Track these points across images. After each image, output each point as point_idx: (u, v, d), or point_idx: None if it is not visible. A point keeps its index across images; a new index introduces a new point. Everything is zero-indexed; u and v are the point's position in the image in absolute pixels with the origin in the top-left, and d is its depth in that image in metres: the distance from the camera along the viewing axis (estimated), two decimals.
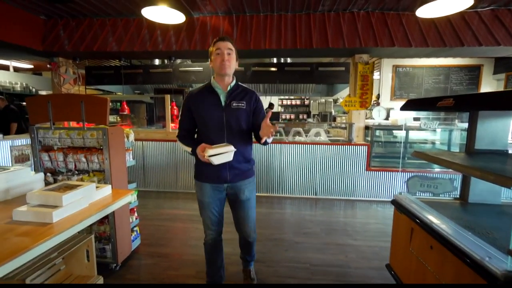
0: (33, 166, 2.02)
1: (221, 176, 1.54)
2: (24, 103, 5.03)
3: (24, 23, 3.54)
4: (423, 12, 2.35)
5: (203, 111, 1.51)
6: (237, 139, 1.51)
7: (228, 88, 1.54)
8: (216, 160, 1.35)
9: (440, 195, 1.81)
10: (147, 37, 3.71)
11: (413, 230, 1.55)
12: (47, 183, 1.91)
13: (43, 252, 1.22)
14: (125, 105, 4.68)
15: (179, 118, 1.64)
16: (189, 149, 1.50)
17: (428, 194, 1.82)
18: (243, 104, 1.52)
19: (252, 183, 1.67)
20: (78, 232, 1.63)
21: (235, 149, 1.38)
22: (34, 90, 6.41)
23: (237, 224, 1.73)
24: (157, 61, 5.83)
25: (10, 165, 3.41)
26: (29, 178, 1.73)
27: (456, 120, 4.98)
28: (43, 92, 6.38)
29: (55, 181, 1.99)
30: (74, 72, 4.15)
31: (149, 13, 2.47)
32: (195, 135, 1.64)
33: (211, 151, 1.33)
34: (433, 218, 1.41)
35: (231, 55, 1.49)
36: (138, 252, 2.35)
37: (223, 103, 1.51)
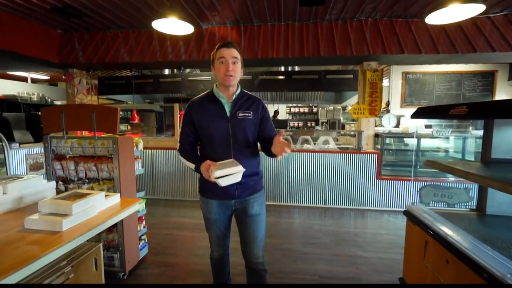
0: (45, 175, 2.07)
1: (228, 192, 1.41)
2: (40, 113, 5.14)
3: (42, 36, 3.71)
4: (432, 19, 2.32)
5: (207, 123, 1.37)
6: (244, 153, 1.39)
7: (234, 96, 1.41)
8: (223, 182, 1.22)
9: (455, 205, 1.74)
10: (157, 48, 3.81)
11: (427, 243, 1.49)
12: (58, 192, 1.95)
13: (53, 260, 1.23)
14: (135, 114, 4.78)
15: (180, 130, 1.50)
16: (192, 166, 1.36)
17: (442, 205, 1.76)
18: (249, 114, 1.39)
19: (262, 197, 1.52)
20: (87, 241, 1.64)
21: (244, 169, 1.23)
22: (49, 100, 6.65)
23: (244, 245, 1.52)
24: (166, 71, 5.96)
25: (25, 173, 3.52)
26: (41, 187, 1.77)
27: (470, 127, 4.83)
28: (58, 102, 6.61)
29: (66, 189, 2.03)
30: (87, 82, 4.29)
31: (159, 25, 2.54)
32: (198, 148, 1.52)
33: (217, 172, 1.19)
34: (448, 231, 1.35)
35: (236, 64, 1.35)
36: (146, 261, 2.34)
37: (228, 114, 1.38)
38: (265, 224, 1.54)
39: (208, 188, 1.45)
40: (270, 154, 1.36)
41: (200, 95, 1.47)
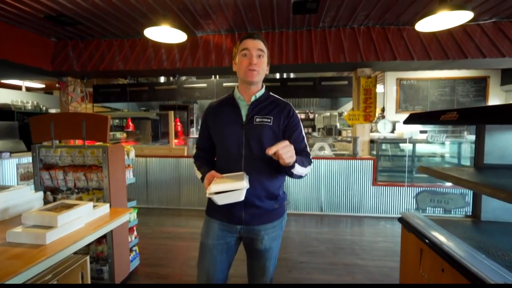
0: (34, 185, 2.02)
1: (233, 215, 1.15)
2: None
3: (36, 45, 3.70)
4: (422, 26, 2.35)
5: (219, 128, 1.19)
6: (258, 166, 1.13)
7: (253, 98, 1.18)
8: (220, 200, 1.01)
9: (452, 211, 1.72)
10: (152, 56, 3.81)
11: (423, 251, 1.46)
12: (46, 202, 1.90)
13: (35, 275, 1.18)
14: (130, 122, 4.75)
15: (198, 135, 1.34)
16: (199, 175, 1.18)
17: (439, 210, 1.73)
18: (268, 120, 1.15)
19: (277, 228, 1.21)
20: (75, 253, 1.59)
21: (248, 186, 0.99)
22: (44, 108, 6.60)
23: (250, 272, 1.30)
24: (162, 79, 5.97)
25: (16, 183, 3.45)
26: (28, 197, 1.72)
27: (465, 132, 4.86)
28: (53, 111, 6.56)
29: (55, 199, 1.98)
30: (81, 90, 4.27)
31: (151, 33, 2.54)
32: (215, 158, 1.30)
33: (213, 187, 1.00)
34: (443, 239, 1.32)
35: (262, 58, 1.14)
36: (137, 273, 2.28)
37: (244, 118, 1.16)
38: (278, 253, 1.27)
39: (212, 207, 1.22)
40: (288, 175, 1.12)
41: (222, 96, 1.29)
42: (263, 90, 1.22)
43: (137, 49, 3.85)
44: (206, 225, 1.24)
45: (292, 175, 1.10)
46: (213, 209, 1.21)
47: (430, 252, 1.36)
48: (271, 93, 1.24)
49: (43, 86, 6.97)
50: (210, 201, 1.19)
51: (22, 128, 5.20)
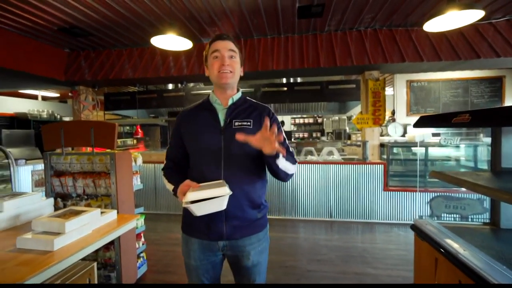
0: (44, 192, 2.07)
1: (213, 230, 1.04)
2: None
3: (50, 56, 3.84)
4: (431, 26, 2.29)
5: (194, 134, 1.09)
6: (239, 173, 1.05)
7: (230, 101, 1.12)
8: (199, 209, 0.88)
9: (469, 217, 1.64)
10: (160, 63, 3.89)
11: (438, 261, 1.39)
12: (57, 208, 1.94)
13: (43, 281, 1.19)
14: (139, 129, 4.83)
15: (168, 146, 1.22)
16: (170, 187, 1.07)
17: (454, 217, 1.65)
18: (249, 123, 1.08)
19: (263, 241, 1.13)
20: (83, 259, 1.61)
21: (231, 192, 0.90)
22: (59, 117, 6.82)
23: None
24: (170, 86, 6.07)
25: (31, 189, 3.55)
26: (39, 204, 1.76)
27: (481, 135, 4.68)
28: (67, 119, 6.77)
29: (65, 206, 2.02)
30: (93, 99, 4.39)
31: (158, 41, 2.59)
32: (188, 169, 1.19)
33: (191, 194, 0.87)
34: (459, 248, 1.25)
35: (234, 58, 1.08)
36: (144, 279, 2.27)
37: (221, 123, 1.08)
38: (266, 266, 1.19)
39: (189, 222, 1.11)
40: (273, 171, 1.06)
41: (195, 103, 1.20)
42: (240, 94, 1.16)
43: (145, 57, 3.93)
44: (185, 244, 1.13)
45: (278, 170, 1.03)
46: (189, 225, 1.11)
47: (445, 262, 1.29)
48: (247, 97, 1.19)
49: (57, 95, 7.22)
50: (185, 214, 1.12)
51: (38, 136, 5.38)
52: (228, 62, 1.06)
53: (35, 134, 5.41)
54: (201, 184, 0.98)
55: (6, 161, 3.17)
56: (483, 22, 3.24)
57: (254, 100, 1.19)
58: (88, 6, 2.78)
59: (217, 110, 1.11)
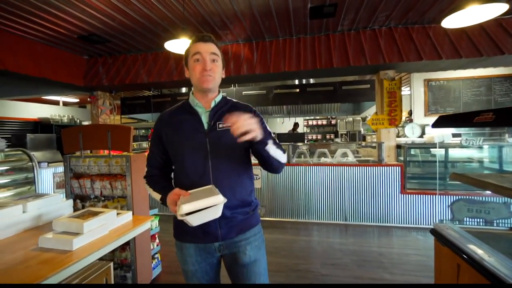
0: (65, 193, 2.15)
1: (209, 232, 1.03)
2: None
3: (70, 63, 4.02)
4: (450, 22, 2.20)
5: (178, 139, 1.06)
6: (227, 174, 1.05)
7: (212, 104, 1.09)
8: (195, 220, 0.87)
9: (494, 222, 1.55)
10: (173, 67, 3.97)
11: (460, 267, 1.32)
12: (76, 209, 2.01)
13: (63, 279, 1.23)
14: None
15: (147, 152, 1.17)
16: (157, 196, 1.05)
17: (478, 221, 1.57)
18: None
19: (258, 236, 1.13)
20: (101, 259, 1.65)
21: (225, 199, 0.89)
22: (78, 121, 7.12)
23: None
24: (184, 89, 6.18)
25: (52, 191, 3.71)
26: (59, 205, 1.83)
27: (506, 135, 4.43)
28: (86, 123, 7.06)
29: (83, 207, 2.09)
30: (110, 103, 4.54)
31: (172, 46, 2.64)
32: (172, 175, 1.17)
33: (185, 206, 0.85)
34: (484, 254, 1.18)
35: (216, 62, 1.05)
36: (159, 280, 2.31)
37: (205, 126, 1.06)
38: (267, 268, 1.15)
39: (181, 228, 1.07)
40: (265, 162, 1.04)
41: (174, 106, 1.16)
42: (221, 95, 1.13)
43: (159, 61, 4.03)
44: (180, 252, 1.11)
45: (270, 158, 1.00)
46: (183, 232, 1.08)
47: (468, 269, 1.23)
48: (228, 98, 1.16)
49: (77, 100, 7.54)
50: (177, 223, 1.09)
51: (59, 140, 5.61)
52: (210, 67, 1.03)
53: (57, 138, 5.67)
54: (191, 192, 0.96)
55: (30, 164, 3.33)
56: (507, 16, 3.09)
57: (235, 100, 1.17)
58: (105, 14, 2.89)
59: (200, 113, 1.08)
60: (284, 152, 1.10)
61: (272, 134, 1.12)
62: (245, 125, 0.87)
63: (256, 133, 0.90)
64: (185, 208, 0.85)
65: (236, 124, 0.87)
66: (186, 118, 1.08)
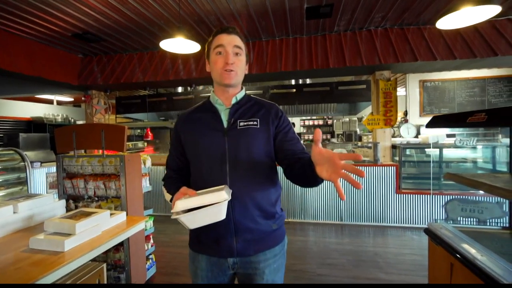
0: (57, 193, 2.12)
1: (222, 246, 0.92)
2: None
3: (64, 62, 3.97)
4: (444, 23, 2.22)
5: (193, 137, 0.99)
6: (247, 178, 0.92)
7: (233, 100, 1.00)
8: (190, 222, 0.75)
9: (487, 221, 1.56)
10: (169, 67, 3.94)
11: (453, 266, 1.32)
12: (69, 210, 1.98)
13: (54, 281, 1.21)
14: (149, 132, 4.91)
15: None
16: (168, 198, 0.97)
17: (471, 221, 1.58)
18: (255, 123, 0.96)
19: (279, 257, 0.99)
20: (94, 260, 1.63)
21: (229, 197, 0.78)
22: (73, 120, 7.04)
23: None
24: (180, 89, 6.15)
25: (45, 191, 3.66)
26: (51, 205, 1.80)
27: (500, 135, 4.49)
28: (80, 122, 6.98)
29: (76, 207, 2.06)
30: (105, 102, 4.49)
31: (167, 45, 2.62)
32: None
33: (180, 203, 0.75)
34: (476, 253, 1.19)
35: (240, 56, 0.97)
36: (153, 281, 2.29)
37: (225, 124, 0.97)
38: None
39: (195, 237, 1.00)
40: (305, 180, 0.84)
41: (195, 105, 1.10)
42: (243, 92, 1.05)
43: (155, 61, 4.00)
44: (192, 262, 1.01)
45: (314, 182, 0.82)
46: (197, 241, 0.99)
47: (462, 268, 1.23)
48: (252, 95, 1.08)
49: (71, 99, 7.46)
50: (192, 230, 0.98)
51: (53, 139, 5.54)
52: (233, 60, 0.95)
53: (50, 137, 5.60)
54: (199, 191, 0.86)
55: (23, 163, 3.28)
56: (501, 18, 3.12)
57: (259, 98, 1.08)
58: (100, 12, 2.86)
59: (219, 111, 1.00)
60: None
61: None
62: (325, 161, 0.68)
63: (329, 177, 0.70)
64: (179, 205, 0.74)
65: (320, 152, 0.69)
66: (204, 116, 1.01)
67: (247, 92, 1.09)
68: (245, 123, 0.96)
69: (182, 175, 1.05)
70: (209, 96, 1.07)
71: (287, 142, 0.96)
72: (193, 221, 0.75)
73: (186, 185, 0.99)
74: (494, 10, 1.94)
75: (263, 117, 0.98)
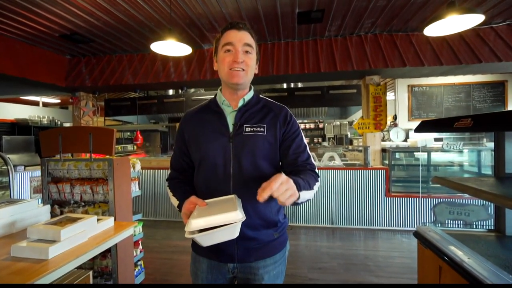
0: (42, 198, 2.05)
1: (223, 252, 0.92)
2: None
3: (51, 63, 3.87)
4: (431, 31, 2.28)
5: (199, 141, 0.94)
6: (250, 187, 0.85)
7: (240, 102, 0.96)
8: (205, 241, 0.74)
9: (474, 224, 1.60)
10: (160, 69, 3.90)
11: (442, 269, 1.34)
12: (54, 215, 1.91)
13: None
14: (139, 135, 4.83)
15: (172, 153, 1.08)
16: (175, 202, 0.94)
17: (458, 223, 1.61)
18: (262, 129, 0.92)
19: (279, 264, 0.97)
20: (80, 267, 1.57)
21: (244, 217, 0.74)
22: (59, 123, 6.85)
23: None
24: (171, 91, 6.09)
25: (29, 195, 3.53)
26: (35, 211, 1.73)
27: (485, 140, 4.64)
28: (68, 124, 6.80)
29: (62, 213, 1.99)
30: (93, 105, 4.40)
31: (158, 47, 2.60)
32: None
33: (196, 221, 0.72)
34: (463, 256, 1.21)
35: (250, 54, 0.91)
36: None
37: (230, 128, 0.93)
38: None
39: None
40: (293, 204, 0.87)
41: (201, 103, 1.05)
42: (252, 92, 0.99)
43: (146, 63, 3.95)
44: (194, 264, 1.01)
45: (298, 205, 0.84)
46: (199, 245, 0.95)
47: (450, 271, 1.25)
48: (261, 96, 1.02)
49: (58, 101, 7.27)
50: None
51: (38, 142, 5.38)
52: (242, 59, 0.88)
53: (35, 140, 5.43)
54: (208, 201, 0.84)
55: (5, 167, 3.16)
56: (484, 26, 3.24)
57: (269, 99, 1.02)
58: (89, 13, 2.81)
59: (226, 113, 0.96)
60: (316, 181, 0.91)
61: (305, 141, 1.01)
62: (281, 197, 0.71)
63: (291, 202, 0.74)
64: (194, 224, 0.71)
65: (273, 195, 0.70)
66: (209, 118, 0.96)
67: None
68: (252, 129, 0.92)
69: (186, 176, 1.02)
70: (215, 94, 1.03)
71: (291, 150, 0.94)
72: (208, 241, 0.75)
73: (191, 187, 0.99)
74: (478, 18, 2.01)
75: (271, 123, 0.94)
